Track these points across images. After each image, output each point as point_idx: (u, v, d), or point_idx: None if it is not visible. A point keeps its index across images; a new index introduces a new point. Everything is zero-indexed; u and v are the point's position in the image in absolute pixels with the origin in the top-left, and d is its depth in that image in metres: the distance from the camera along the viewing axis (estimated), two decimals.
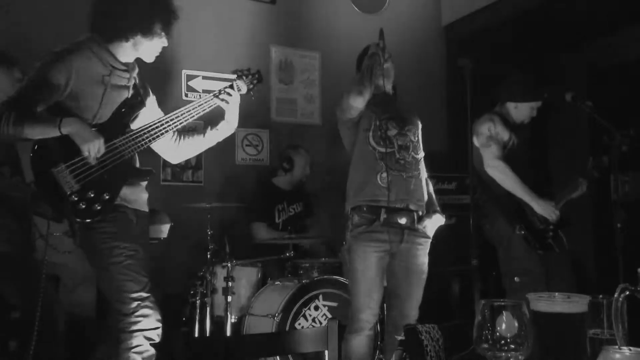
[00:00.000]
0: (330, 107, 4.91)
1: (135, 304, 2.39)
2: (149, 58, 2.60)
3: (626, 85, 4.95)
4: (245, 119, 4.77)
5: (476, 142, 3.57)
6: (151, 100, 2.72)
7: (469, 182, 3.44)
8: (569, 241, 3.60)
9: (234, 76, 2.86)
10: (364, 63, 3.03)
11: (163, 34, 2.54)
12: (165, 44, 2.58)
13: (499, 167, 3.48)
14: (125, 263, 2.39)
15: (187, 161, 4.49)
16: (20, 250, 2.72)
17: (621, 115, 3.92)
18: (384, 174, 2.91)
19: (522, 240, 3.45)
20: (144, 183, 2.63)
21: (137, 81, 2.63)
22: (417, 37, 5.40)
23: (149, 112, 2.66)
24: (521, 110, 3.67)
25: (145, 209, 2.61)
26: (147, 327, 2.40)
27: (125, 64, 2.55)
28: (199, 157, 4.51)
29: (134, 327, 2.38)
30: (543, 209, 3.48)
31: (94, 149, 2.30)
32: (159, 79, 4.36)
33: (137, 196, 2.56)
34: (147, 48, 2.54)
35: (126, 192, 2.48)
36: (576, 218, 3.71)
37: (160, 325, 2.44)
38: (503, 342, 1.00)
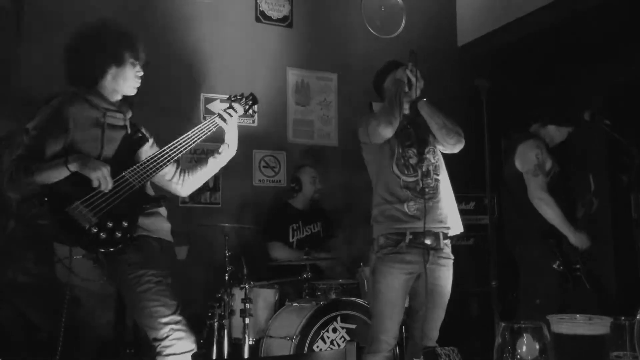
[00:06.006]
0: (346, 128, 4.95)
1: (167, 328, 2.45)
2: (130, 90, 2.70)
3: None
4: (262, 140, 4.86)
5: (519, 166, 3.54)
6: (149, 142, 2.80)
7: (487, 202, 3.40)
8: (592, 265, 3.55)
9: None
10: (389, 89, 3.05)
11: (136, 62, 2.66)
12: (141, 73, 2.70)
13: (545, 199, 3.42)
14: (155, 289, 2.46)
15: (205, 183, 4.53)
16: (38, 278, 2.78)
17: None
18: (412, 202, 2.92)
19: (557, 275, 3.40)
20: (164, 213, 2.71)
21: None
22: (433, 58, 5.40)
23: (150, 151, 2.75)
24: (561, 133, 3.68)
25: (170, 238, 2.69)
26: (181, 350, 2.46)
27: (115, 104, 2.66)
28: (216, 179, 4.55)
29: (169, 351, 2.43)
30: (579, 240, 3.43)
31: (102, 176, 2.39)
32: (178, 102, 4.43)
33: (159, 226, 2.64)
34: (124, 79, 2.65)
35: (146, 222, 2.56)
36: (597, 238, 3.66)
37: (194, 347, 2.50)
38: None
